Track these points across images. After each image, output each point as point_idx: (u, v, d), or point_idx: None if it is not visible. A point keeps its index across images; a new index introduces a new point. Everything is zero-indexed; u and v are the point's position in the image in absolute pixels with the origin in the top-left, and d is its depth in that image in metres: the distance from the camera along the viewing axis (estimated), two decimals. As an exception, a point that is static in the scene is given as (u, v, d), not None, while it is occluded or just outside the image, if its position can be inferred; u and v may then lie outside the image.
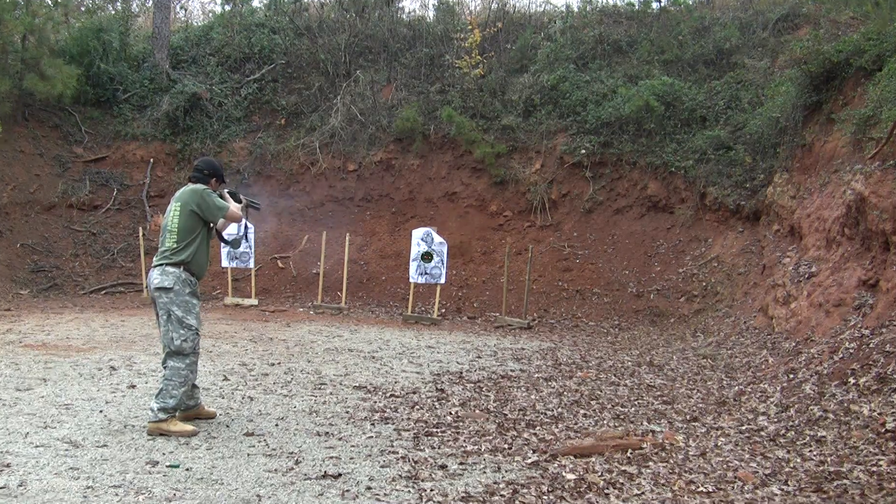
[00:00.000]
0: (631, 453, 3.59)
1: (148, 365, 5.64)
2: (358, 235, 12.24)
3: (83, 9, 15.35)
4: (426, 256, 9.84)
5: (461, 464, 3.40)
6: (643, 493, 3.04)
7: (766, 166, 9.94)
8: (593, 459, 3.49)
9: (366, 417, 4.24)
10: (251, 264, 10.84)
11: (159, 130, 13.43)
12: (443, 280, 9.85)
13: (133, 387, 4.83)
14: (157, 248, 3.99)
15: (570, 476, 3.23)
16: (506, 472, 3.31)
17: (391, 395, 4.88)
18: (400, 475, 3.20)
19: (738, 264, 9.34)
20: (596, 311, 9.93)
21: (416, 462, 3.39)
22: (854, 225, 6.12)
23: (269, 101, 14.12)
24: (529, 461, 3.46)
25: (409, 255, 10.18)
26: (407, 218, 12.63)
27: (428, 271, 9.82)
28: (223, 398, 4.61)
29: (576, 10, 14.63)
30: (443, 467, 3.33)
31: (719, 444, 3.81)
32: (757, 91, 11.06)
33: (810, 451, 3.57)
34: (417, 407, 4.55)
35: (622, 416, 4.44)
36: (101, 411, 4.15)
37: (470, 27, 13.57)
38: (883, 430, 3.54)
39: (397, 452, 3.54)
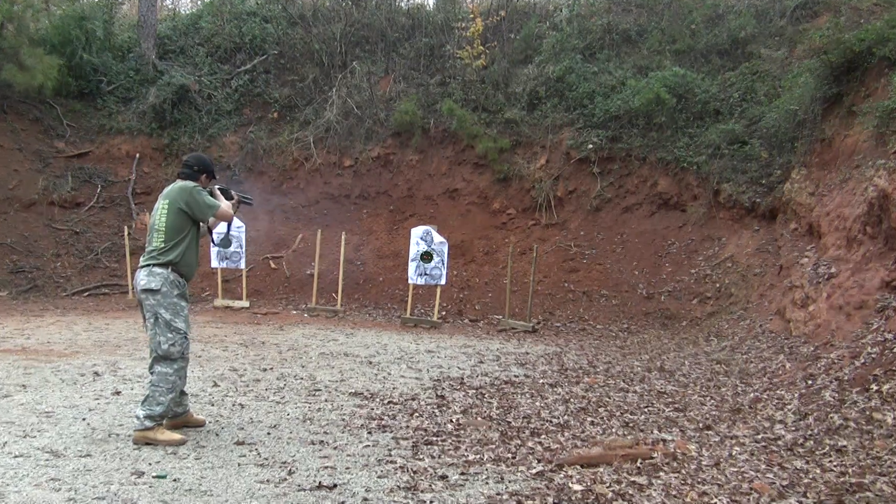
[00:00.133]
0: (641, 463, 3.58)
1: (133, 370, 5.64)
2: (354, 234, 12.24)
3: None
4: (426, 256, 9.83)
5: (462, 474, 3.39)
6: (654, 505, 3.03)
7: (783, 162, 9.94)
8: (601, 469, 3.48)
9: (362, 425, 4.24)
10: (242, 265, 10.85)
11: (145, 124, 13.43)
12: (443, 281, 9.85)
13: (118, 393, 4.82)
14: (144, 248, 3.99)
15: (577, 487, 3.23)
16: (509, 482, 3.30)
17: (389, 402, 4.88)
18: (398, 486, 3.20)
19: (754, 265, 9.33)
20: (604, 313, 9.93)
21: (415, 472, 3.39)
22: (876, 223, 6.11)
23: (260, 94, 14.12)
24: (534, 471, 3.45)
25: (408, 254, 10.17)
26: (406, 216, 12.63)
27: (427, 272, 9.82)
28: (213, 405, 4.61)
29: (583, -3, 14.63)
30: (443, 478, 3.33)
31: (734, 453, 3.80)
32: (773, 82, 11.06)
33: (830, 461, 3.57)
34: (416, 414, 4.55)
35: (631, 424, 4.43)
36: (83, 419, 4.14)
37: (472, 16, 13.58)
38: (906, 438, 3.53)
39: (395, 462, 3.54)
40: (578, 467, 3.51)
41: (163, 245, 3.84)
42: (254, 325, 8.95)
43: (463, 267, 11.51)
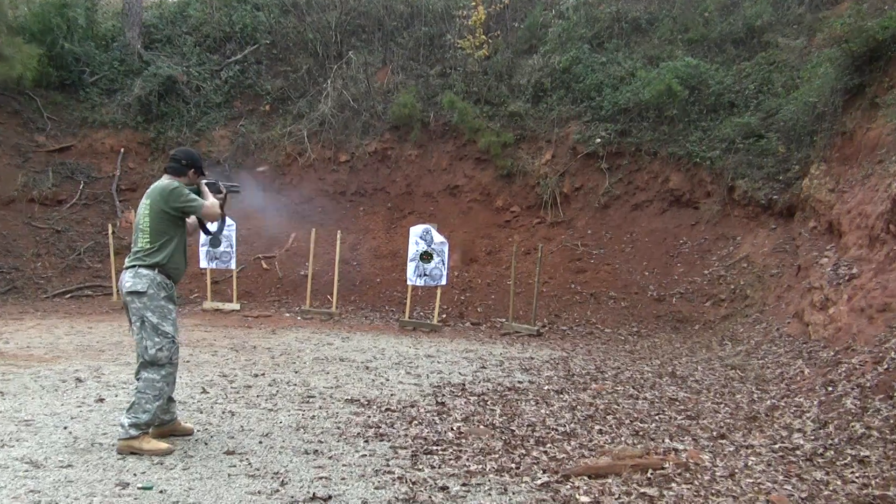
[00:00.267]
0: (651, 474, 3.57)
1: (118, 376, 5.64)
2: (350, 233, 12.23)
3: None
4: (425, 256, 9.83)
5: (464, 485, 3.39)
6: (666, 518, 3.03)
7: (801, 156, 9.93)
8: (610, 480, 3.48)
9: (359, 434, 4.23)
10: (232, 265, 10.85)
11: (131, 117, 13.44)
12: (443, 282, 9.84)
13: (101, 400, 4.82)
14: (130, 248, 3.99)
15: (584, 499, 3.22)
16: (513, 494, 3.30)
17: (387, 410, 4.88)
18: (396, 497, 3.20)
19: (770, 265, 9.33)
20: (612, 316, 9.92)
21: (414, 483, 3.39)
22: (899, 221, 6.10)
23: (252, 86, 14.13)
24: (539, 482, 3.45)
25: (407, 254, 10.17)
26: (404, 214, 12.63)
27: (427, 273, 9.82)
28: (201, 413, 4.61)
29: (590, -16, 14.62)
30: (444, 489, 3.33)
31: (749, 463, 3.80)
32: (791, 73, 11.05)
33: (852, 472, 3.56)
34: (416, 422, 4.55)
35: (641, 433, 4.43)
36: (65, 428, 4.14)
37: (474, 3, 13.57)
38: (931, 448, 3.52)
39: (393, 472, 3.54)
40: (586, 478, 3.51)
41: (148, 246, 3.84)
42: (245, 328, 8.95)
43: (464, 267, 11.51)
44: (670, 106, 11.37)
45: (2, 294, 10.99)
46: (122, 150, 13.35)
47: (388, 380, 5.97)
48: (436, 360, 7.11)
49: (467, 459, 3.79)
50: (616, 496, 3.26)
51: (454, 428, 4.43)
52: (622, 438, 4.30)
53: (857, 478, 3.48)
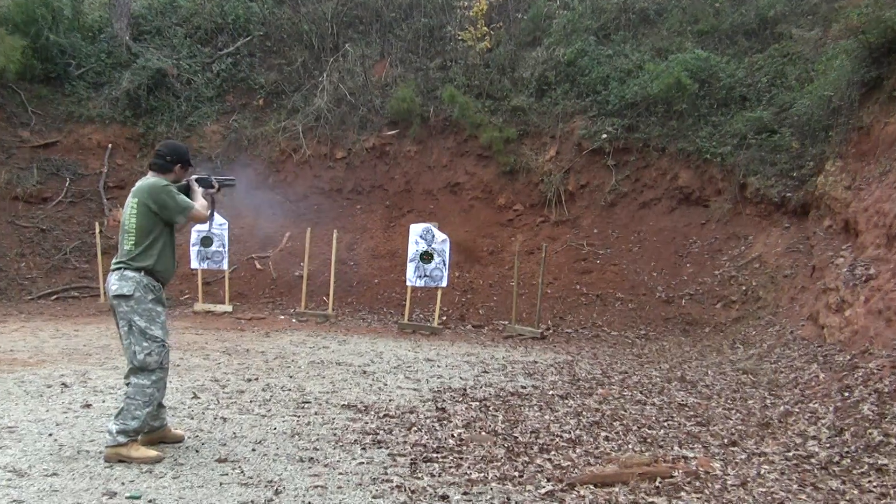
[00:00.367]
0: (660, 482, 3.57)
1: (105, 381, 5.64)
2: (347, 232, 12.23)
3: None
4: (425, 256, 9.83)
5: (465, 494, 3.39)
6: (675, 528, 3.02)
7: (816, 152, 9.92)
8: (616, 489, 3.47)
9: (356, 441, 4.23)
10: (224, 265, 10.85)
11: (118, 112, 13.44)
12: (444, 283, 9.84)
13: (88, 406, 4.82)
14: (117, 247, 3.98)
15: (591, 509, 3.22)
16: (516, 503, 3.30)
17: (385, 416, 4.87)
18: (395, 508, 3.19)
19: (784, 265, 9.32)
20: (619, 318, 9.92)
21: (413, 492, 3.38)
22: (918, 220, 6.10)
23: (244, 79, 14.13)
24: (543, 491, 3.45)
25: (406, 254, 10.17)
26: (403, 212, 12.62)
27: (427, 273, 9.81)
28: (192, 419, 4.61)
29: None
30: (444, 498, 3.32)
31: (762, 472, 3.79)
32: (806, 66, 11.04)
33: (869, 481, 3.56)
34: (415, 429, 4.55)
35: (649, 440, 4.43)
36: (50, 434, 4.14)
37: (475, -7, 13.56)
38: (952, 456, 3.52)
39: (392, 481, 3.53)
40: (591, 487, 3.50)
41: (133, 248, 3.82)
42: (237, 331, 8.95)
43: (466, 268, 11.51)
44: (679, 100, 11.35)
45: (-15, 295, 10.99)
46: (110, 145, 13.34)
47: (386, 384, 5.97)
48: (436, 364, 7.11)
49: (468, 467, 3.79)
50: (623, 506, 3.26)
51: (455, 435, 4.42)
52: (629, 446, 4.30)
53: (874, 487, 3.47)
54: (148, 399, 3.77)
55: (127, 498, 3.20)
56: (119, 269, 3.82)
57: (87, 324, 9.07)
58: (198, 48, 14.42)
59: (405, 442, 4.24)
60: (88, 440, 4.05)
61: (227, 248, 10.82)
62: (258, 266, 12.10)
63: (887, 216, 6.80)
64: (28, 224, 12.37)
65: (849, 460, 3.88)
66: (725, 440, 4.44)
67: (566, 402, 5.49)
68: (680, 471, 3.72)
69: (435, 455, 3.99)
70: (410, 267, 9.94)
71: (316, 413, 4.89)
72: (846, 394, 5.00)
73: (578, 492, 3.44)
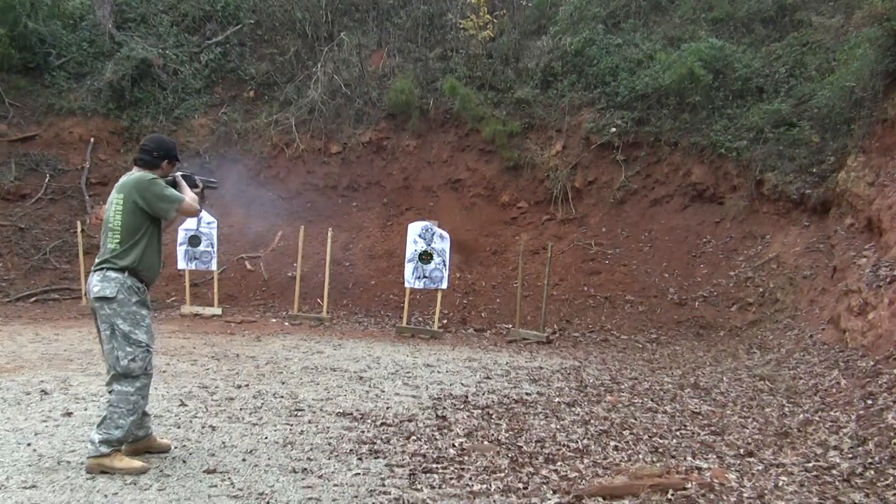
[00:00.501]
0: (672, 495, 3.56)
1: (87, 388, 5.63)
2: (342, 231, 12.23)
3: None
4: (424, 256, 9.83)
5: (467, 507, 3.38)
6: (689, 543, 3.02)
7: (837, 147, 9.92)
8: (626, 502, 3.47)
9: (351, 450, 4.23)
10: (213, 266, 10.85)
11: (101, 104, 13.44)
12: (444, 285, 9.84)
13: (69, 414, 4.82)
14: (99, 248, 3.97)
15: (600, 523, 3.21)
16: (521, 517, 3.29)
17: (382, 424, 4.87)
18: (392, 521, 3.19)
19: (803, 266, 9.32)
20: (629, 322, 9.92)
21: (412, 505, 3.38)
22: (944, 218, 6.09)
23: (234, 70, 14.13)
24: (549, 503, 3.45)
25: (404, 254, 10.17)
26: (401, 210, 12.63)
27: (427, 274, 9.81)
28: (179, 427, 4.61)
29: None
30: (445, 512, 3.32)
31: (780, 484, 3.79)
32: (827, 55, 11.03)
33: (894, 494, 3.55)
34: (414, 438, 4.55)
35: (661, 450, 4.43)
36: (29, 444, 4.14)
37: (477, -21, 13.57)
38: (981, 467, 3.51)
39: (389, 493, 3.53)
40: (600, 499, 3.50)
41: (118, 246, 3.81)
42: (227, 335, 8.95)
43: (467, 269, 11.51)
44: (693, 92, 11.35)
45: (-40, 298, 11.00)
46: (92, 139, 13.34)
47: (383, 391, 5.97)
48: (436, 369, 7.11)
49: (470, 479, 3.79)
50: (634, 519, 3.26)
51: (456, 444, 4.42)
52: (640, 456, 4.29)
53: (898, 499, 3.47)
54: (132, 407, 3.76)
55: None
56: (102, 269, 3.82)
57: (67, 327, 9.07)
58: (185, 37, 14.42)
59: (404, 452, 4.24)
60: (69, 450, 4.05)
61: (216, 248, 10.82)
62: (249, 267, 12.10)
63: (912, 214, 6.79)
64: (6, 222, 12.37)
65: (872, 472, 3.87)
66: (741, 450, 4.44)
67: (573, 409, 5.48)
68: (693, 483, 3.72)
69: (435, 466, 3.99)
70: (409, 268, 9.93)
71: (309, 421, 4.89)
72: (869, 401, 4.99)
73: (586, 504, 3.44)
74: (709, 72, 11.25)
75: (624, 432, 4.84)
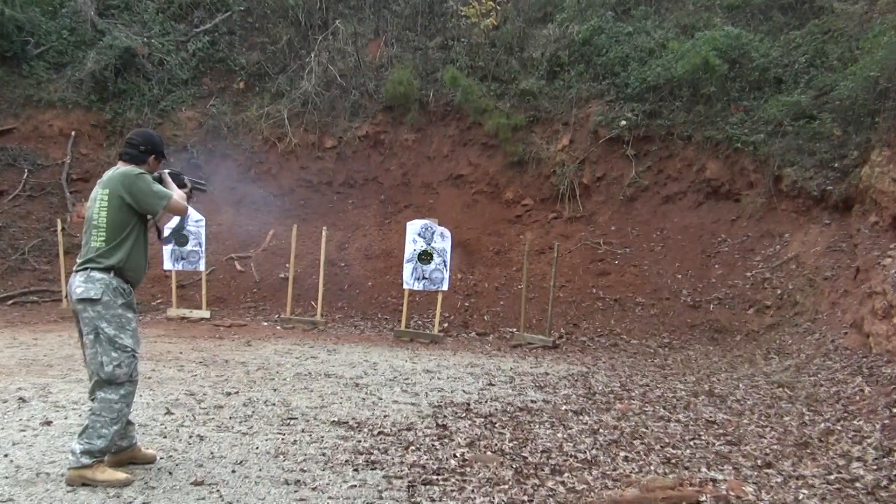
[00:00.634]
0: (687, 508, 3.57)
1: (68, 395, 5.63)
2: (338, 230, 12.23)
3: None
4: (424, 257, 9.83)
5: (469, 522, 3.38)
6: (703, 559, 3.02)
7: (860, 140, 9.91)
8: (639, 516, 3.47)
9: (347, 461, 4.23)
10: (202, 267, 10.84)
11: (83, 96, 13.44)
12: (445, 286, 9.84)
13: (48, 423, 4.82)
14: (81, 247, 3.97)
15: (610, 538, 3.21)
16: (526, 532, 3.29)
17: (379, 433, 4.87)
18: (390, 536, 3.19)
19: (824, 266, 9.31)
20: (639, 325, 9.92)
21: (411, 519, 3.38)
22: (973, 216, 6.08)
23: (223, 60, 14.13)
24: (557, 518, 3.44)
25: (403, 254, 10.16)
26: (400, 208, 12.63)
27: (426, 275, 9.81)
28: (165, 437, 4.61)
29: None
30: (445, 526, 3.32)
31: (800, 497, 3.78)
32: (850, 43, 11.03)
33: (919, 506, 3.55)
34: (413, 448, 4.55)
35: (674, 461, 4.43)
36: (6, 455, 4.13)
37: (479, -36, 13.57)
38: None
39: (387, 507, 3.53)
40: (610, 513, 3.50)
41: (103, 245, 3.81)
42: (216, 339, 8.95)
43: (469, 269, 11.50)
44: (707, 83, 11.35)
45: (-65, 300, 11.01)
46: (73, 133, 13.34)
47: (381, 399, 5.97)
48: (436, 375, 7.11)
49: (472, 491, 3.79)
50: (645, 534, 3.25)
51: (457, 454, 4.42)
52: (651, 467, 4.29)
53: (925, 513, 3.46)
54: (116, 416, 3.76)
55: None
56: (85, 269, 3.81)
57: (47, 331, 9.07)
58: (171, 25, 14.42)
59: (402, 463, 4.24)
60: (49, 461, 4.04)
61: (204, 248, 10.82)
62: (239, 267, 12.10)
63: (939, 211, 6.79)
64: (-18, 221, 12.38)
65: (897, 484, 3.87)
66: (759, 461, 4.43)
67: (581, 418, 5.48)
68: (708, 495, 3.72)
69: (435, 477, 3.99)
70: (408, 268, 9.93)
71: (303, 430, 4.89)
72: (894, 410, 4.99)
73: (595, 518, 3.44)
74: (724, 61, 11.25)
75: (634, 442, 4.83)
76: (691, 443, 4.85)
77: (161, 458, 4.14)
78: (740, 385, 6.80)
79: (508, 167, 12.39)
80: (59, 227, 11.38)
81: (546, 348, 9.16)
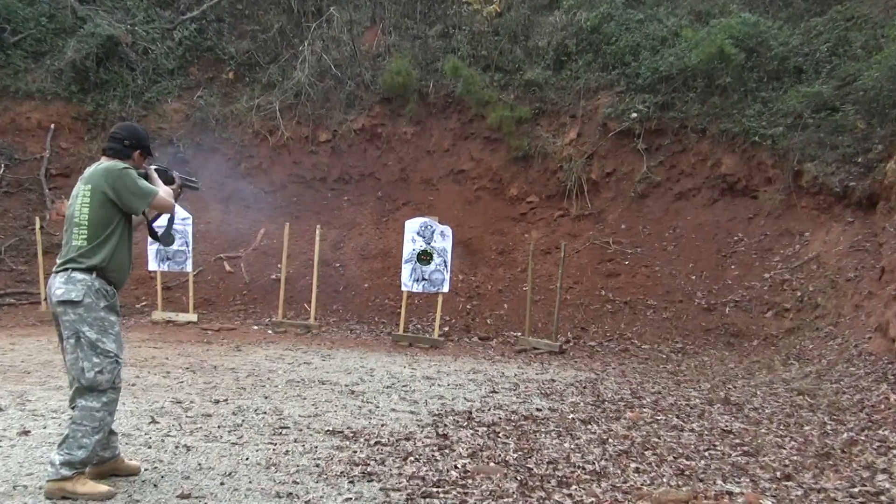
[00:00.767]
0: (702, 523, 3.57)
1: (47, 403, 5.64)
2: (332, 228, 12.23)
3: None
4: (423, 257, 9.83)
5: (471, 537, 3.39)
6: (719, 577, 3.02)
7: (885, 134, 9.91)
8: (651, 531, 3.47)
9: (342, 473, 4.23)
10: (188, 267, 10.85)
11: (63, 86, 13.44)
12: (445, 288, 9.84)
13: (26, 433, 4.82)
14: (61, 246, 3.97)
15: (620, 554, 3.22)
16: (532, 548, 3.30)
17: (376, 443, 4.88)
18: (388, 552, 3.19)
19: (847, 267, 9.31)
20: (651, 329, 9.91)
21: (409, 534, 3.38)
22: None
23: (211, 49, 14.14)
24: (564, 533, 3.44)
25: (401, 254, 10.17)
26: (398, 205, 12.63)
27: (426, 276, 9.81)
28: (150, 447, 4.61)
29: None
30: (446, 541, 3.32)
31: (822, 510, 3.79)
32: (874, 31, 11.03)
33: (946, 520, 3.55)
34: (412, 459, 4.55)
35: (688, 472, 4.43)
36: (-16, 465, 4.14)
37: (482, -53, 13.57)
38: None
39: (384, 521, 3.53)
40: (621, 528, 3.50)
41: (85, 244, 3.81)
42: (203, 344, 8.96)
43: (471, 270, 11.51)
44: (723, 73, 11.35)
45: None
46: (53, 126, 13.35)
47: (378, 407, 5.97)
48: (436, 382, 7.11)
49: (475, 505, 3.79)
50: (658, 550, 3.25)
51: (458, 466, 4.42)
52: (664, 479, 4.30)
53: (953, 528, 3.46)
54: (97, 425, 3.76)
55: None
56: (66, 269, 3.81)
57: (25, 336, 9.08)
58: (156, 12, 14.43)
59: (400, 474, 4.24)
60: (26, 473, 4.05)
61: (191, 247, 10.83)
62: (228, 268, 12.11)
63: (968, 209, 6.79)
64: (-43, 219, 12.39)
65: (924, 497, 3.87)
66: (778, 473, 4.44)
67: (589, 427, 5.48)
68: (724, 509, 3.72)
69: (435, 490, 3.99)
70: (406, 269, 9.93)
71: (295, 440, 4.89)
72: (920, 418, 4.99)
73: (604, 533, 3.44)
74: (741, 50, 11.24)
75: (646, 453, 4.83)
76: (706, 453, 4.85)
77: (145, 470, 4.14)
78: (758, 392, 6.80)
79: (512, 162, 12.39)
80: (38, 226, 11.38)
81: (552, 353, 9.16)
